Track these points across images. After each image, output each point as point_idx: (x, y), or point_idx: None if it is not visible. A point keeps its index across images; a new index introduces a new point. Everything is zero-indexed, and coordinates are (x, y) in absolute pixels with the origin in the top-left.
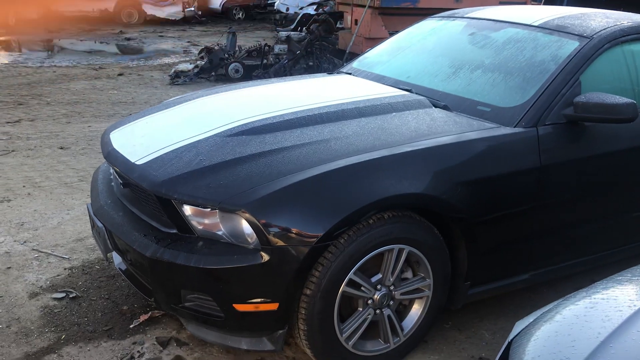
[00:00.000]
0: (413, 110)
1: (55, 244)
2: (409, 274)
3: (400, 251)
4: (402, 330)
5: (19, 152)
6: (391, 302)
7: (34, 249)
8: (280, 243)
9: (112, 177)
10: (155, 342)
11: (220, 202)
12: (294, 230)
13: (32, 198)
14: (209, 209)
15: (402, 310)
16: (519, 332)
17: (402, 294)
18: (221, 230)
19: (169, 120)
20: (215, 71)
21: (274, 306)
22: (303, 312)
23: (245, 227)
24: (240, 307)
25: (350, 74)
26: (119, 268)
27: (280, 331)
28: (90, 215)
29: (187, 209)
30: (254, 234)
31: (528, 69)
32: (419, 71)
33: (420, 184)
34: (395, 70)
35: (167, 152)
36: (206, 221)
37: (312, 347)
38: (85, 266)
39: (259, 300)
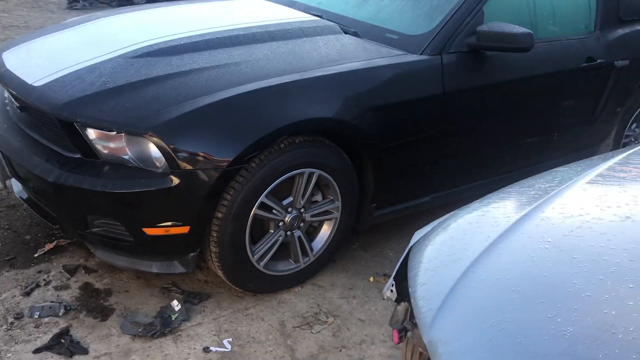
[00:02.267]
0: (324, 35)
1: None
2: (318, 197)
3: (310, 175)
4: (311, 250)
5: None
6: (301, 224)
7: None
8: (190, 167)
9: (6, 100)
10: (62, 270)
11: (126, 125)
12: (204, 154)
13: None
14: (115, 133)
15: (311, 232)
16: (418, 240)
17: (312, 216)
18: (127, 155)
19: (68, 41)
20: None
21: (184, 229)
22: (214, 234)
23: (153, 150)
24: (149, 231)
25: None
26: (20, 196)
27: (192, 254)
28: None
29: (91, 133)
30: (163, 158)
31: None
32: None
33: (330, 109)
34: None
35: (68, 74)
36: (112, 145)
37: (223, 268)
38: None
39: (169, 223)
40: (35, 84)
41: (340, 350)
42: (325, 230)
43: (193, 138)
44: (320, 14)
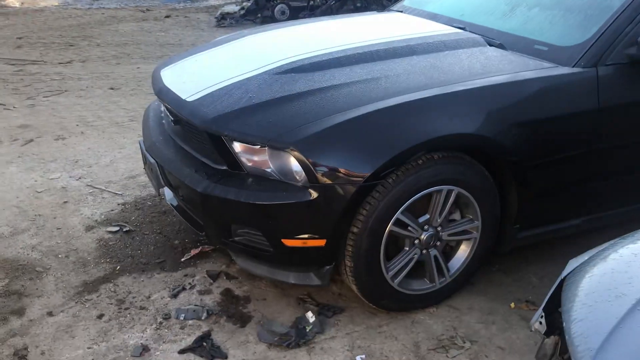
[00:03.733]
0: (467, 48)
1: (108, 180)
2: (457, 216)
3: (449, 192)
4: (448, 270)
5: (72, 92)
6: (438, 243)
7: (88, 185)
8: (328, 181)
9: (162, 114)
10: (206, 275)
11: (269, 140)
12: (342, 168)
13: (85, 137)
14: (259, 146)
15: (449, 252)
16: (572, 270)
17: (449, 235)
18: (270, 168)
19: (217, 58)
20: (262, 13)
21: (321, 242)
22: (350, 249)
23: (294, 164)
24: (288, 242)
25: (401, 11)
26: (171, 203)
27: (327, 267)
28: (142, 152)
29: (237, 146)
30: (303, 172)
31: (589, 6)
32: (473, 9)
33: (473, 124)
34: (449, 8)
35: (217, 89)
36: (255, 158)
37: (358, 283)
38: (138, 202)
39: (306, 236)
40: (188, 99)
41: None
42: (464, 251)
43: (332, 153)
44: (463, 26)
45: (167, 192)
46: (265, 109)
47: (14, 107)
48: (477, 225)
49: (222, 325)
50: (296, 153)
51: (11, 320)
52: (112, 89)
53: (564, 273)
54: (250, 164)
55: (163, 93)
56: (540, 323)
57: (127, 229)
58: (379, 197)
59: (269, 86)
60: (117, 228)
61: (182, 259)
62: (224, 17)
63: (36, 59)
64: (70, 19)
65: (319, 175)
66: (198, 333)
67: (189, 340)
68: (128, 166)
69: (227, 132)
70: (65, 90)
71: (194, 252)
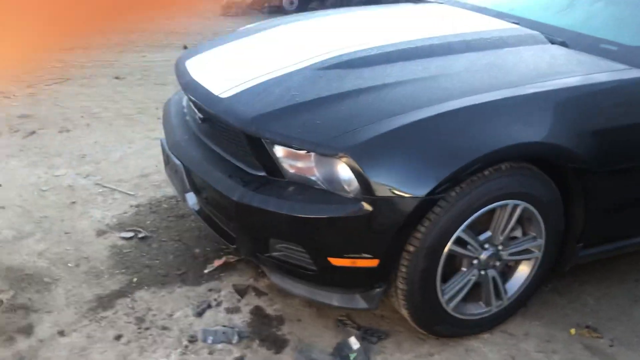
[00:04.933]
0: (528, 46)
1: (118, 179)
2: (517, 233)
3: (514, 207)
4: (505, 293)
5: (75, 81)
6: (497, 263)
7: (97, 184)
8: (385, 193)
9: (185, 110)
10: (233, 291)
11: (317, 145)
12: (402, 179)
13: (91, 129)
14: (305, 152)
15: (506, 272)
16: None
17: (510, 254)
18: (315, 176)
19: (250, 49)
20: (269, 3)
21: (373, 262)
22: (404, 270)
23: (345, 173)
24: (335, 262)
25: (442, 3)
26: (194, 209)
27: (378, 289)
28: (164, 152)
29: (279, 150)
30: (355, 182)
31: None
32: (525, 2)
33: (547, 131)
34: (497, 0)
35: (254, 85)
36: (299, 164)
37: (409, 308)
38: (152, 204)
39: (357, 255)
40: (222, 96)
41: None
42: (523, 271)
43: (390, 161)
44: (517, 21)
45: (191, 197)
46: (311, 110)
47: (13, 96)
48: (540, 243)
49: (255, 351)
50: (349, 160)
51: (18, 341)
52: (117, 78)
53: None
54: (292, 171)
55: (191, 87)
56: None
57: (143, 234)
58: (440, 212)
59: (313, 83)
60: (131, 234)
61: (205, 271)
62: (229, 5)
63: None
64: None
65: (374, 186)
66: (229, 359)
67: None
68: (139, 163)
69: (269, 135)
70: (68, 79)
71: (217, 263)
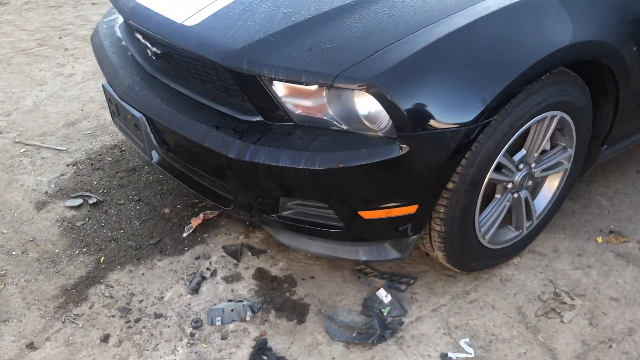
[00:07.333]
0: None
1: (41, 132)
2: (546, 146)
3: (552, 119)
4: (535, 212)
5: None
6: (530, 183)
7: (16, 142)
8: (425, 127)
9: (125, 43)
10: (224, 254)
11: (336, 76)
12: (443, 107)
13: None
14: (316, 87)
15: (534, 190)
16: None
17: (542, 170)
18: (328, 114)
19: None
20: None
21: (411, 209)
22: (442, 210)
23: (368, 107)
24: (367, 215)
25: None
26: (159, 166)
27: (414, 236)
28: (110, 100)
29: (280, 88)
30: (386, 117)
31: None
32: None
33: (595, 28)
34: None
35: (229, 4)
36: (308, 103)
37: (446, 249)
38: (92, 159)
39: (393, 204)
40: (187, 24)
41: (610, 347)
42: (551, 186)
43: (427, 87)
44: None
45: (156, 155)
46: (314, 30)
47: None
48: (570, 154)
49: (274, 325)
50: (378, 91)
51: None
52: None
53: None
54: (298, 111)
55: (141, 16)
56: None
57: (94, 200)
58: (482, 140)
59: None
60: (79, 200)
61: (184, 234)
62: None
63: None
64: None
65: (410, 121)
66: (248, 342)
67: (242, 355)
68: (60, 109)
69: (266, 71)
70: None
71: (195, 222)
